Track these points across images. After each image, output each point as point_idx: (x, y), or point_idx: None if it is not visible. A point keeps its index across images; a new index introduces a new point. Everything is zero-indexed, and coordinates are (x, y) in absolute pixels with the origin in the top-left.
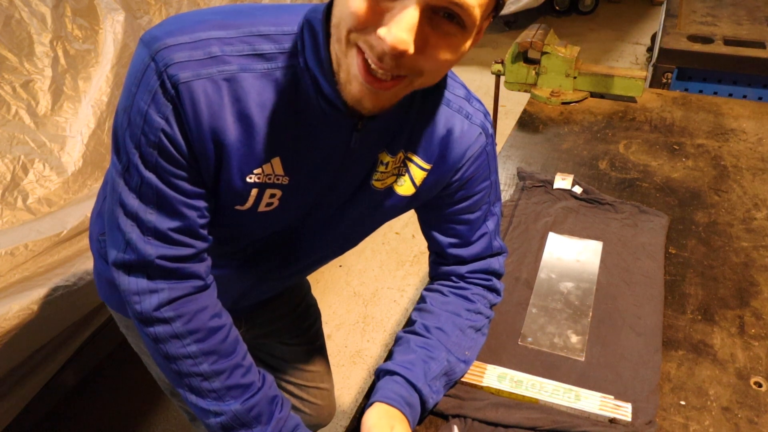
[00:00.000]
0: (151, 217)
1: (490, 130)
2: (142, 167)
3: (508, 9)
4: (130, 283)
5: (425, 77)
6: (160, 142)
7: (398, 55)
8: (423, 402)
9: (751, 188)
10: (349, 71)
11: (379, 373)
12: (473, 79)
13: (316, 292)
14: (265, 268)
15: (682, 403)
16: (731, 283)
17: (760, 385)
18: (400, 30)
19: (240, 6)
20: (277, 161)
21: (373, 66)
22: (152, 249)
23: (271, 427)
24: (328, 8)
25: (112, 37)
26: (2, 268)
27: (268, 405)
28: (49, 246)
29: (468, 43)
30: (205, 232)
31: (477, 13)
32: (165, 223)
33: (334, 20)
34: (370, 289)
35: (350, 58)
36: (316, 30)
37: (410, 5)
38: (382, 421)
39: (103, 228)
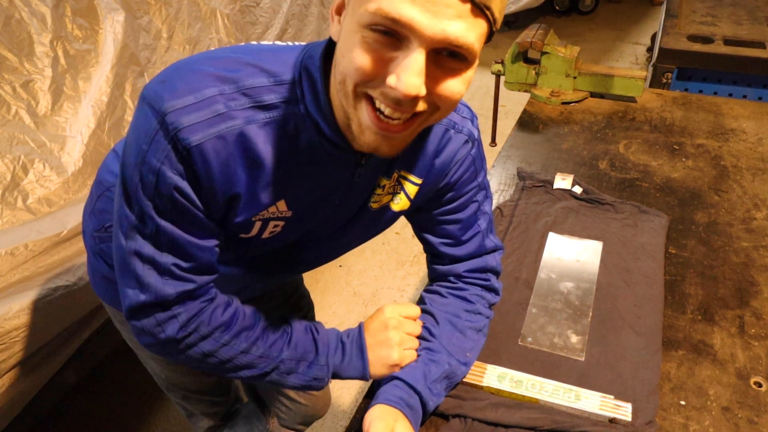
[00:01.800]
0: (167, 259)
1: (476, 135)
2: (156, 217)
3: (508, 9)
4: (150, 321)
5: (441, 112)
6: (173, 196)
7: (412, 99)
8: (423, 404)
9: (751, 188)
10: (361, 123)
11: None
12: (473, 79)
13: (316, 292)
14: (263, 273)
15: (682, 403)
16: (731, 283)
17: (760, 385)
18: (410, 76)
19: (234, 52)
20: (282, 202)
21: (387, 111)
22: (171, 288)
23: (320, 350)
24: (325, 53)
25: (112, 37)
26: (2, 268)
27: (306, 335)
28: (49, 246)
29: (473, 72)
30: (215, 264)
31: (477, 47)
32: (181, 264)
33: (338, 77)
34: (370, 289)
35: (360, 110)
36: (314, 77)
37: (415, 50)
38: (384, 415)
39: (97, 224)
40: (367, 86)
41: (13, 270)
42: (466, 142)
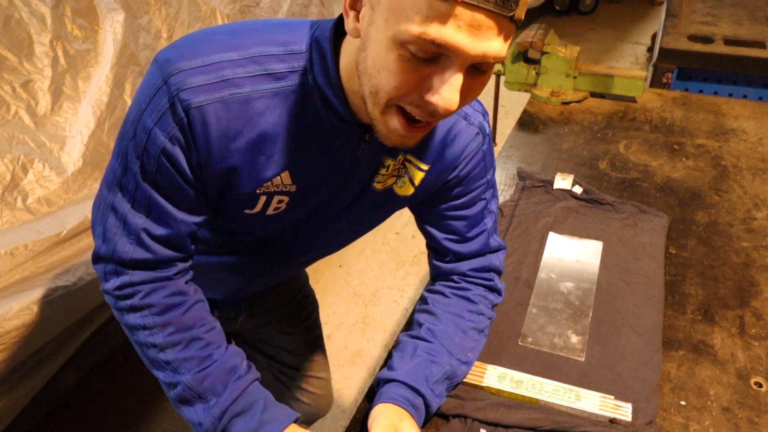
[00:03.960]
0: (138, 221)
1: (488, 130)
2: (139, 176)
3: None
4: (100, 267)
5: (461, 106)
6: (159, 158)
7: (450, 112)
8: (427, 405)
9: (751, 188)
10: (389, 126)
11: (380, 382)
12: None
13: (315, 291)
14: (266, 262)
15: (683, 403)
16: (731, 283)
17: (760, 386)
18: (452, 94)
19: (246, 25)
20: (285, 174)
21: (418, 117)
22: (130, 251)
23: (223, 398)
24: (335, 28)
25: (112, 37)
26: (2, 268)
27: (224, 376)
28: (49, 246)
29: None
30: (188, 244)
31: (504, 56)
32: (150, 231)
33: (370, 88)
34: (370, 289)
35: (389, 117)
36: (324, 49)
37: (456, 69)
38: (389, 413)
39: None
40: (401, 100)
41: (13, 270)
42: (477, 134)
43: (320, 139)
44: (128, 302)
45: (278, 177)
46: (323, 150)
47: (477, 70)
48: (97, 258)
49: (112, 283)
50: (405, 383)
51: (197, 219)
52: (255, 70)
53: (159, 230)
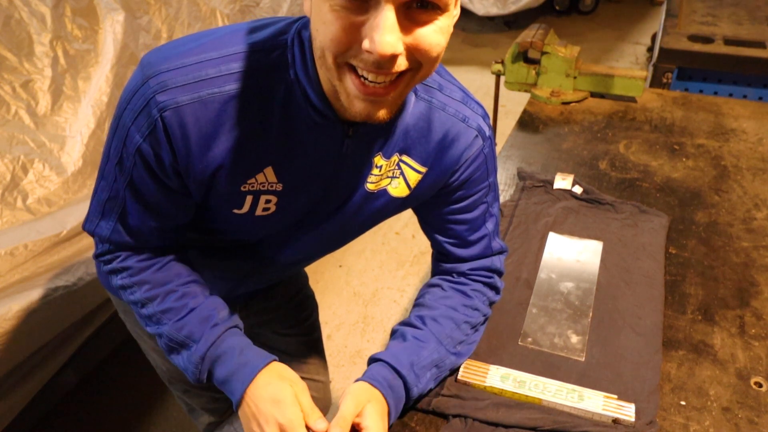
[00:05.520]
0: (116, 210)
1: (488, 132)
2: (118, 170)
3: (508, 9)
4: (93, 238)
5: (424, 68)
6: (135, 156)
7: (391, 58)
8: (407, 389)
9: (751, 188)
10: (348, 92)
11: (369, 362)
12: (473, 79)
13: (316, 292)
14: (257, 264)
15: (683, 403)
16: (731, 283)
17: (760, 386)
18: (383, 35)
19: (233, 26)
20: (269, 170)
21: (370, 77)
22: (107, 234)
23: (200, 345)
24: None
25: (112, 37)
26: (2, 268)
27: (200, 324)
28: (49, 246)
29: (451, 21)
30: (162, 240)
31: None
32: (124, 221)
33: (317, 52)
34: (370, 289)
35: (345, 80)
36: (304, 41)
37: (383, 9)
38: (358, 392)
39: None
40: (346, 56)
41: (13, 270)
42: (476, 137)
43: (302, 135)
44: (110, 266)
45: (262, 174)
46: (306, 146)
47: (421, 10)
48: (90, 233)
49: (98, 250)
50: (388, 363)
51: (164, 223)
52: (235, 67)
53: (132, 222)
